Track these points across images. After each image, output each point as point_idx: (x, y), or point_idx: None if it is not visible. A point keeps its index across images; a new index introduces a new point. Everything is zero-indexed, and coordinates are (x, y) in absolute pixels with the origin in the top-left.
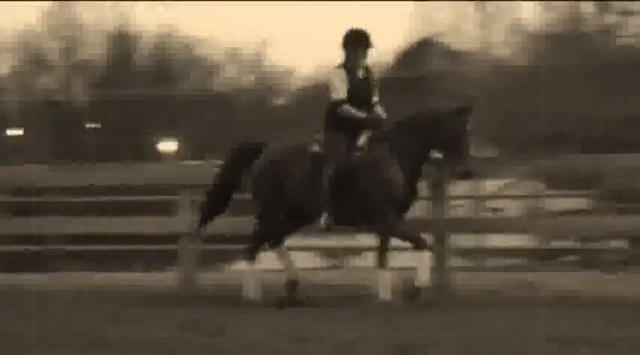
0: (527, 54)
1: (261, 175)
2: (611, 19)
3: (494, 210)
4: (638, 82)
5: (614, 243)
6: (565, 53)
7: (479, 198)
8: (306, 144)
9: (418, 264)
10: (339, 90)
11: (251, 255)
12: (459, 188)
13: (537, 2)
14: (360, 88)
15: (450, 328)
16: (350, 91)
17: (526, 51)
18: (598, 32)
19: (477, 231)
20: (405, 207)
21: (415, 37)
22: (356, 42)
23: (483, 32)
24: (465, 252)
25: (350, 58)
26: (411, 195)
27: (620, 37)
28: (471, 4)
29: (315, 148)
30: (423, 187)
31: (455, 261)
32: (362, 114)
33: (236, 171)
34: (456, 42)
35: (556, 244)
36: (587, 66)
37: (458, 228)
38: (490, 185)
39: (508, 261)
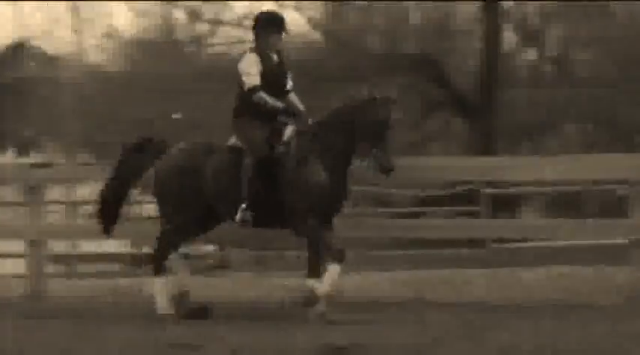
0: (122, 60)
1: (169, 174)
2: (202, 27)
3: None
4: (230, 88)
5: (208, 248)
6: (159, 60)
7: (74, 204)
8: (219, 142)
9: (327, 274)
10: (253, 75)
11: (159, 267)
12: (54, 193)
13: (130, 8)
14: (274, 74)
15: (43, 337)
16: (263, 77)
17: (120, 57)
18: (190, 40)
19: (72, 237)
20: (331, 209)
21: (9, 40)
22: (268, 25)
23: (77, 37)
24: (59, 258)
25: (261, 42)
26: (339, 195)
27: (210, 45)
28: (65, 9)
29: (233, 141)
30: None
31: (49, 268)
32: (279, 104)
33: (135, 170)
34: (50, 46)
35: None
36: (181, 73)
37: (54, 234)
38: (83, 190)
39: (101, 268)
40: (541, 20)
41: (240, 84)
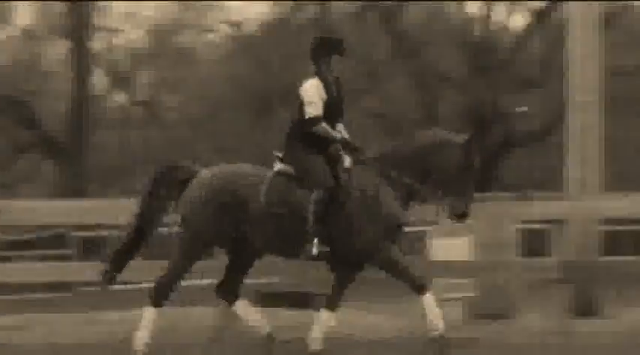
0: None
1: (207, 205)
2: None
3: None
4: None
5: None
6: None
7: None
8: (259, 166)
9: (427, 310)
10: (316, 105)
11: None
12: None
13: None
14: (333, 102)
15: None
16: (325, 105)
17: None
18: None
19: None
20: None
21: None
22: (330, 50)
23: None
24: None
25: (322, 68)
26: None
27: None
28: None
29: (280, 166)
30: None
31: None
32: (337, 135)
33: (161, 203)
34: None
35: None
36: None
37: None
38: None
39: None
40: (131, 65)
41: (300, 110)
